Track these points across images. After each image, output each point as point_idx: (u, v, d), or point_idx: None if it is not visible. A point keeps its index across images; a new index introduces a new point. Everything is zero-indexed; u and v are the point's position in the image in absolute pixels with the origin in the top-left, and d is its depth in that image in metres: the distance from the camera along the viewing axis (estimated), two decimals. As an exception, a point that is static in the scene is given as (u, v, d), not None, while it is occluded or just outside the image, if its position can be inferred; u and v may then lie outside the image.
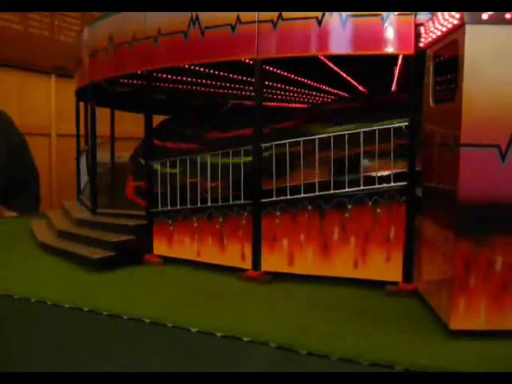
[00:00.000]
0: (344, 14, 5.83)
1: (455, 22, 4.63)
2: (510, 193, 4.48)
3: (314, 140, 6.24)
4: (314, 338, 4.67)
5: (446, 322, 4.69)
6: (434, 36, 5.21)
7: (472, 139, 4.48)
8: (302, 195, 6.18)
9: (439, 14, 5.04)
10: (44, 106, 15.37)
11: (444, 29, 4.92)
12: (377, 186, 5.93)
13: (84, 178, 10.47)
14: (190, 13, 6.54)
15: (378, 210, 5.88)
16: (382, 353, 4.32)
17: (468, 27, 4.45)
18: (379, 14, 5.76)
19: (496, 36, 4.44)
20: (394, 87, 8.94)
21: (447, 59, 5.36)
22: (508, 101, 4.43)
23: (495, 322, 4.57)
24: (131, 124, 12.92)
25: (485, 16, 4.43)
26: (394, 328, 4.89)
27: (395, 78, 8.13)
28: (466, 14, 4.45)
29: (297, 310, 5.40)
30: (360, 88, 9.62)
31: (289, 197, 6.25)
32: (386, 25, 5.76)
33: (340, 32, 5.89)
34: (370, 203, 5.90)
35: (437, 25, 5.11)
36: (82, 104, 10.27)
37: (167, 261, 7.16)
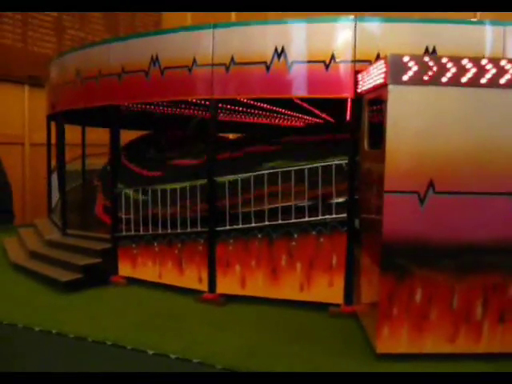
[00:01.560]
0: (290, 59, 6.39)
1: (381, 80, 5.21)
2: (428, 234, 5.08)
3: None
4: (257, 360, 5.22)
5: (374, 345, 5.30)
6: (368, 86, 5.79)
7: (394, 186, 5.06)
8: (253, 225, 6.74)
9: (371, 68, 5.63)
10: (17, 116, 15.68)
11: (374, 83, 5.49)
12: (320, 218, 6.51)
13: (55, 194, 10.85)
14: (150, 53, 7.04)
15: (322, 239, 6.47)
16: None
17: (391, 87, 5.02)
18: (323, 61, 6.32)
19: (415, 95, 5.02)
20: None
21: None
22: (426, 152, 5.03)
23: (416, 346, 5.18)
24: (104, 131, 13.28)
25: (405, 78, 5.01)
26: (329, 350, 5.47)
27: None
28: (389, 75, 5.02)
29: (246, 332, 5.95)
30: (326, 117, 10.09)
31: (241, 226, 6.80)
32: (328, 70, 6.31)
33: (287, 76, 6.44)
34: (314, 233, 6.49)
35: (369, 77, 5.69)
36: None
37: (132, 281, 7.67)
